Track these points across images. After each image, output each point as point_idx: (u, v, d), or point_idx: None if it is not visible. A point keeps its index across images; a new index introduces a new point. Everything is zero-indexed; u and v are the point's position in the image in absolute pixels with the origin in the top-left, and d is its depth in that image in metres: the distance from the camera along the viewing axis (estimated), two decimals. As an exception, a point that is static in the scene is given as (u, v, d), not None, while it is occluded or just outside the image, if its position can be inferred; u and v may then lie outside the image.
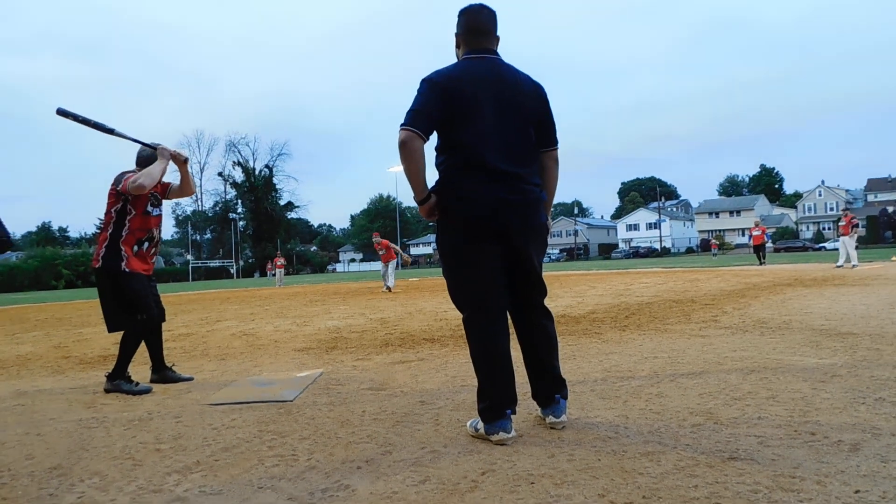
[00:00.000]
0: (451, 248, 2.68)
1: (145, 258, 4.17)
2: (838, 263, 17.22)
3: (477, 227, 2.58)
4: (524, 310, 2.79)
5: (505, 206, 2.58)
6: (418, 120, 2.54)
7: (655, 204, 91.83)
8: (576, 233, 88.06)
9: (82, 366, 5.33)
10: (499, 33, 2.77)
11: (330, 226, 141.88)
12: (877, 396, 2.96)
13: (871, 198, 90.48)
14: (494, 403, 2.54)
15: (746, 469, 2.09)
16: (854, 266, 16.39)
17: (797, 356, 4.13)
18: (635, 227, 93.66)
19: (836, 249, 20.76)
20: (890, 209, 72.63)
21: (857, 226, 17.60)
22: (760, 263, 21.58)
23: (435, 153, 2.73)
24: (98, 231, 4.94)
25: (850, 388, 3.16)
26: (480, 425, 2.60)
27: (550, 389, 2.75)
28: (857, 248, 18.12)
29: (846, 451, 2.22)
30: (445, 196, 2.64)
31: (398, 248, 18.41)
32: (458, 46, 2.80)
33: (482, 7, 2.75)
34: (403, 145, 2.52)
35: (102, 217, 4.20)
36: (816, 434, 2.43)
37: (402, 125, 2.54)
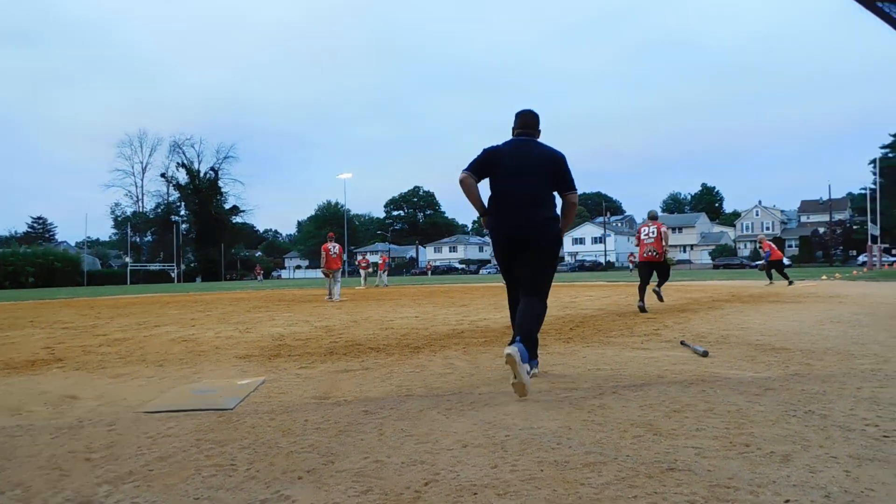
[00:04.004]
0: (495, 251, 4.24)
1: None
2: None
3: (498, 241, 4.12)
4: (525, 292, 4.03)
5: (512, 233, 4.02)
6: (471, 167, 4.11)
7: (601, 219, 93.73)
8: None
9: (7, 371, 5.08)
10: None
11: (276, 231, 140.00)
12: (807, 409, 3.08)
13: (804, 219, 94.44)
14: None
15: (684, 479, 2.13)
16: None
17: (734, 370, 4.26)
18: (581, 240, 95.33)
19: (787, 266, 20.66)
20: (821, 230, 75.96)
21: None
22: (770, 281, 18.81)
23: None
24: None
25: (783, 401, 3.28)
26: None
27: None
28: (789, 265, 18.87)
29: (778, 461, 2.30)
30: (490, 221, 4.17)
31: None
32: (513, 130, 4.32)
33: (528, 111, 4.33)
34: (461, 182, 4.09)
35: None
36: (751, 445, 2.50)
37: (462, 169, 4.09)
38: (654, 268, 10.01)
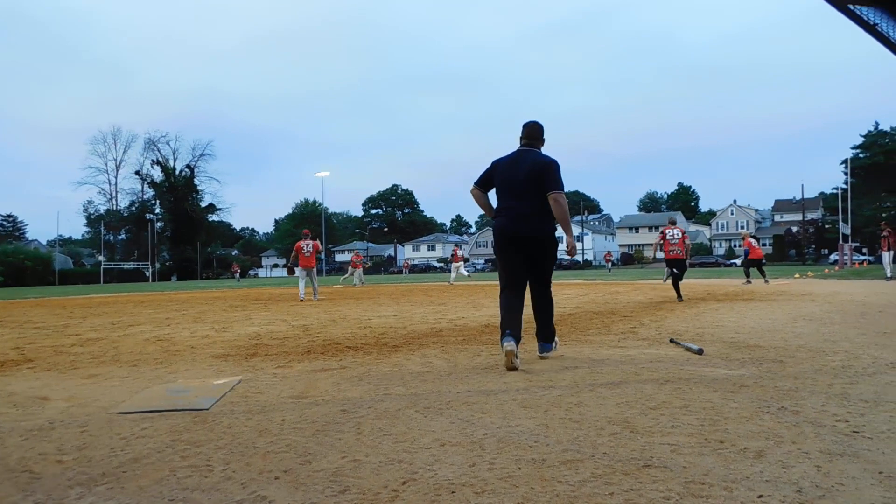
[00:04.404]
0: (495, 250, 4.82)
1: None
2: None
3: (498, 241, 4.72)
4: (532, 284, 4.85)
5: (508, 233, 4.65)
6: (478, 180, 4.89)
7: (579, 218, 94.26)
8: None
9: (-22, 371, 4.97)
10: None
11: (253, 230, 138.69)
12: (780, 406, 3.13)
13: (777, 218, 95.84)
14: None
15: (660, 476, 2.15)
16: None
17: (709, 367, 4.31)
18: (559, 239, 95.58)
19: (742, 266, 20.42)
20: (794, 229, 77.19)
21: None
22: (747, 280, 18.44)
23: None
24: None
25: (756, 397, 3.32)
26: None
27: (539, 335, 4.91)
28: (764, 265, 19.01)
29: (751, 457, 2.33)
30: (492, 222, 4.83)
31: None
32: (520, 139, 4.84)
33: (533, 122, 4.88)
34: (471, 193, 4.95)
35: None
36: (725, 442, 2.53)
37: (474, 182, 4.89)
38: (676, 264, 11.74)
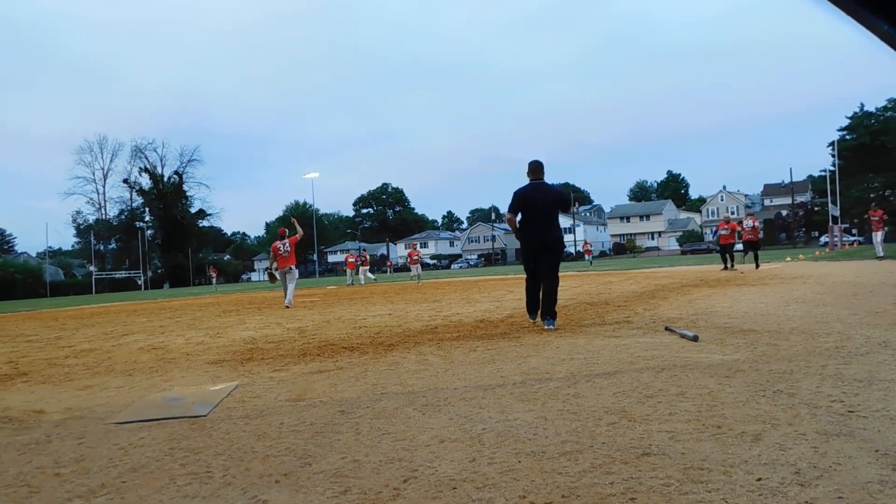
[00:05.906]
0: (523, 253, 6.78)
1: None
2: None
3: (528, 247, 6.62)
4: (543, 279, 6.44)
5: (537, 242, 6.52)
6: (512, 209, 6.65)
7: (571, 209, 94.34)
8: (493, 238, 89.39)
9: (-28, 387, 4.93)
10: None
11: (244, 234, 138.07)
12: (775, 389, 3.15)
13: (767, 202, 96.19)
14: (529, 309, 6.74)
15: (659, 464, 2.16)
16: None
17: (704, 353, 4.33)
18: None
19: (738, 251, 20.04)
20: (784, 213, 77.57)
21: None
22: (725, 267, 17.53)
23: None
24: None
25: (752, 381, 3.34)
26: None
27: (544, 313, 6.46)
28: (737, 252, 19.08)
29: (749, 441, 2.35)
30: (521, 235, 6.68)
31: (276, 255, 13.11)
32: (527, 174, 6.72)
33: (536, 161, 6.72)
34: (508, 220, 6.72)
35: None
36: (722, 427, 2.55)
37: (507, 212, 6.73)
38: (751, 246, 17.95)
